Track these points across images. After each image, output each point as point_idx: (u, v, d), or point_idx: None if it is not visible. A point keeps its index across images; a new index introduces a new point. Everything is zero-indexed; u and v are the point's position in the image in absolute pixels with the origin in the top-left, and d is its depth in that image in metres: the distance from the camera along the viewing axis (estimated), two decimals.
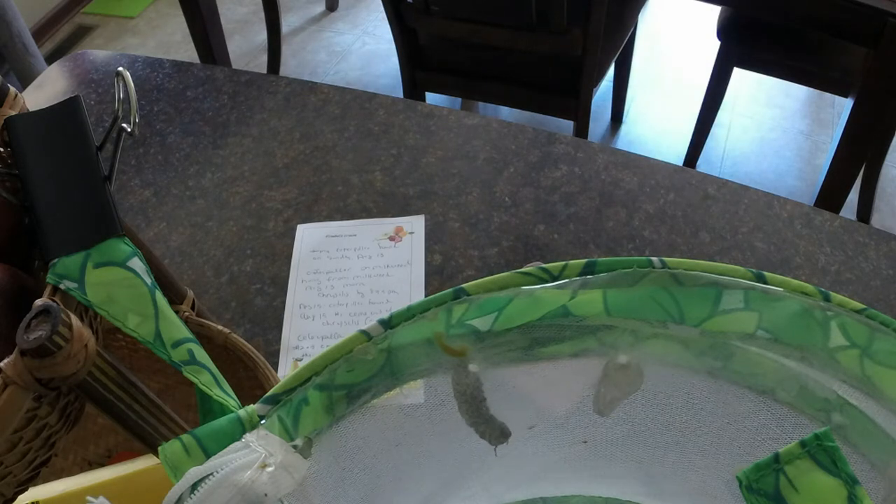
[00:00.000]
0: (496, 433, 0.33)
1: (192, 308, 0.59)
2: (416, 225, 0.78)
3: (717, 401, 0.31)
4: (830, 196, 1.44)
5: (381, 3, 1.48)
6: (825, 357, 0.27)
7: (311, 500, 0.28)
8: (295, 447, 0.27)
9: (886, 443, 0.27)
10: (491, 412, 0.32)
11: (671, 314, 0.29)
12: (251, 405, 0.27)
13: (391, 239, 0.77)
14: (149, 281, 0.35)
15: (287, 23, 2.58)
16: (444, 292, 0.29)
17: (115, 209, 0.37)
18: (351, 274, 0.73)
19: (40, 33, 2.48)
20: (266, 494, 0.25)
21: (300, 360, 0.67)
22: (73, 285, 0.34)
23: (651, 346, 0.30)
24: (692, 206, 0.77)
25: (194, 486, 0.25)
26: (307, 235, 0.77)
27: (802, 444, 0.23)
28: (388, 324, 0.28)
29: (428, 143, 0.85)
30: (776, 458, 0.24)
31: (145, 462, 0.51)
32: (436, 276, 0.73)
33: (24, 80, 1.92)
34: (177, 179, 0.86)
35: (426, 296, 0.72)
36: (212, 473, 0.25)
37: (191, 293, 0.60)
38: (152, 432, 0.38)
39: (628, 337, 0.30)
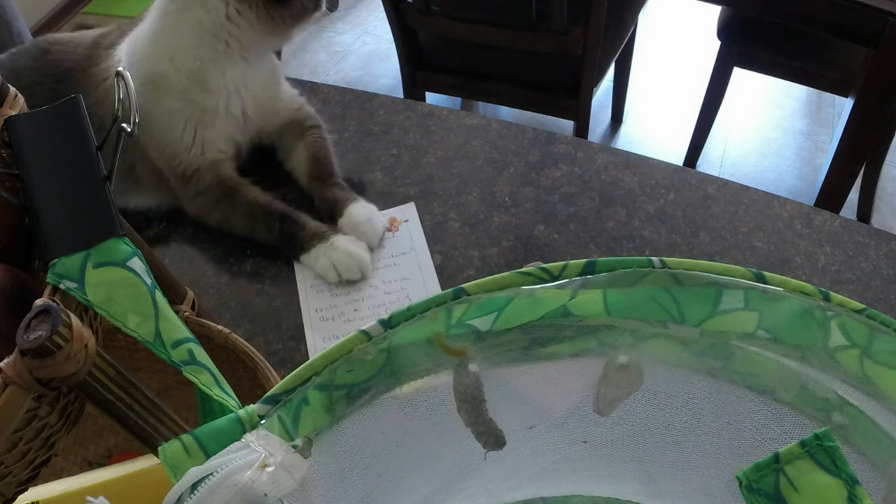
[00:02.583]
0: (492, 439, 0.33)
1: (192, 308, 0.59)
2: (407, 212, 0.78)
3: (717, 401, 0.31)
4: (830, 196, 1.44)
5: (381, 3, 1.48)
6: (825, 357, 0.27)
7: (311, 500, 0.28)
8: (295, 447, 0.27)
9: (886, 443, 0.27)
10: (490, 414, 0.32)
11: (671, 314, 0.29)
12: (251, 405, 0.27)
13: (388, 230, 0.77)
14: (149, 281, 0.35)
15: None
16: (444, 292, 0.29)
17: (115, 209, 0.37)
18: (368, 304, 0.72)
19: (40, 33, 2.47)
20: (266, 494, 0.25)
21: None
22: (73, 285, 0.34)
23: (651, 346, 0.30)
24: (692, 206, 0.77)
25: (194, 486, 0.25)
26: (307, 272, 0.76)
27: (802, 444, 0.23)
28: (388, 324, 0.28)
29: (428, 143, 0.85)
30: (776, 458, 0.24)
31: (145, 462, 0.51)
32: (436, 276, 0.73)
33: None
34: None
35: (438, 277, 0.72)
36: (212, 473, 0.25)
37: (191, 293, 0.60)
38: (152, 432, 0.38)
39: (628, 337, 0.30)
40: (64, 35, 0.83)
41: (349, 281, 0.72)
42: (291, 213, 0.75)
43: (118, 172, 0.80)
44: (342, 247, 0.72)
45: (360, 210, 0.76)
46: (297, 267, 0.75)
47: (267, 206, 0.75)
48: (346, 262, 0.71)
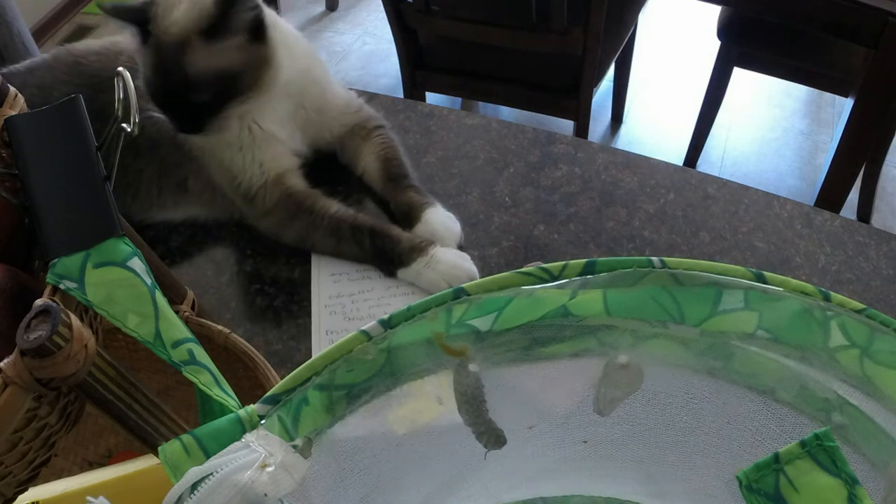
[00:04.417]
0: (492, 438, 0.33)
1: (192, 308, 0.59)
2: None
3: (717, 401, 0.32)
4: (830, 196, 1.44)
5: (381, 3, 1.48)
6: (825, 357, 0.27)
7: (311, 500, 0.28)
8: (295, 447, 0.27)
9: (886, 443, 0.27)
10: (490, 414, 0.32)
11: (671, 314, 0.29)
12: (251, 405, 0.27)
13: None
14: (149, 281, 0.35)
15: (287, 22, 2.57)
16: (444, 292, 0.29)
17: (115, 209, 0.37)
18: (376, 294, 0.71)
19: (40, 33, 2.48)
20: (266, 494, 0.25)
21: None
22: (73, 285, 0.34)
23: (651, 346, 0.30)
24: (692, 206, 0.77)
25: (194, 486, 0.25)
26: (324, 259, 0.74)
27: (802, 444, 0.23)
28: (388, 324, 0.28)
29: (428, 143, 0.85)
30: (776, 458, 0.24)
31: (145, 462, 0.51)
32: None
33: None
34: None
35: None
36: (212, 473, 0.25)
37: (191, 293, 0.60)
38: (152, 432, 0.38)
39: (628, 337, 0.30)
40: (89, 44, 0.80)
41: None
42: (381, 226, 0.72)
43: (168, 185, 0.78)
44: (447, 259, 0.69)
45: (436, 216, 0.73)
46: (314, 258, 0.74)
47: (353, 222, 0.72)
48: (456, 274, 0.69)
